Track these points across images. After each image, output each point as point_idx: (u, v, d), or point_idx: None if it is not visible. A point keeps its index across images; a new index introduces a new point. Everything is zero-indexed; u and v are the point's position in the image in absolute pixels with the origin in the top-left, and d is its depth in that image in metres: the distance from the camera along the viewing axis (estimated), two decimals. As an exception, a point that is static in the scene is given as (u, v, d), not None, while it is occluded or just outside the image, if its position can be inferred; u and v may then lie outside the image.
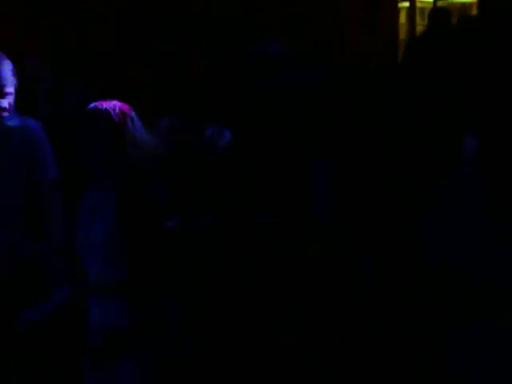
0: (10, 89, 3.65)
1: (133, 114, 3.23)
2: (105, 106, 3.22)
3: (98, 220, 3.17)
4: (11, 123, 3.70)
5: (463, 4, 8.66)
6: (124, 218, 3.07)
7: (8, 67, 3.66)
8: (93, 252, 3.16)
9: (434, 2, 8.59)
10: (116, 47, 6.92)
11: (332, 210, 3.59)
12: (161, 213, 3.20)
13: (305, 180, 3.59)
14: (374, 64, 5.48)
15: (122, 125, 3.17)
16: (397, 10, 8.57)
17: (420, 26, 8.54)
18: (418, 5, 8.71)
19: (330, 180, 3.60)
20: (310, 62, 4.29)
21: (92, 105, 3.23)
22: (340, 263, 3.38)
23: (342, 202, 3.50)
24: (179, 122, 4.08)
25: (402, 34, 8.65)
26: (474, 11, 8.41)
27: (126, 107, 3.24)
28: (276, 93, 3.85)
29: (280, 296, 3.50)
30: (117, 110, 3.19)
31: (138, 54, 6.84)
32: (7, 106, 3.65)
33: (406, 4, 8.70)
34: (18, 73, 3.70)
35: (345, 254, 3.42)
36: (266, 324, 3.48)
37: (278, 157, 3.68)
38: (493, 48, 4.22)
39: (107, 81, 6.15)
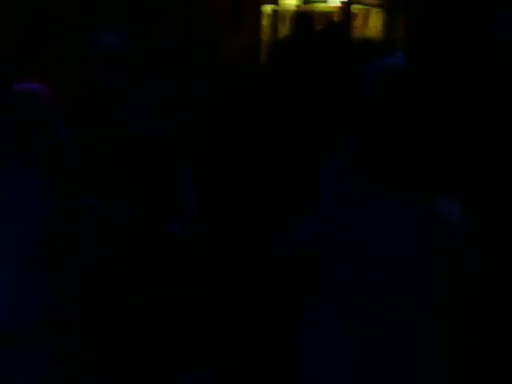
0: None
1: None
2: (33, 88, 2.91)
3: (14, 216, 2.75)
4: None
5: (324, 12, 8.95)
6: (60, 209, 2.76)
7: None
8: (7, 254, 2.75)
9: (297, 8, 8.87)
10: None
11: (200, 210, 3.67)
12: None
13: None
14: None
15: (49, 108, 2.89)
16: (260, 13, 8.80)
17: (282, 29, 8.79)
18: (280, 9, 8.98)
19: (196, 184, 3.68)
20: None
21: (17, 87, 2.89)
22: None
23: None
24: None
25: (265, 36, 8.89)
26: (335, 18, 8.76)
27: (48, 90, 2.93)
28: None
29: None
30: (43, 93, 2.90)
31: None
32: None
33: (270, 8, 8.96)
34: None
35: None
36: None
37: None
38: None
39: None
